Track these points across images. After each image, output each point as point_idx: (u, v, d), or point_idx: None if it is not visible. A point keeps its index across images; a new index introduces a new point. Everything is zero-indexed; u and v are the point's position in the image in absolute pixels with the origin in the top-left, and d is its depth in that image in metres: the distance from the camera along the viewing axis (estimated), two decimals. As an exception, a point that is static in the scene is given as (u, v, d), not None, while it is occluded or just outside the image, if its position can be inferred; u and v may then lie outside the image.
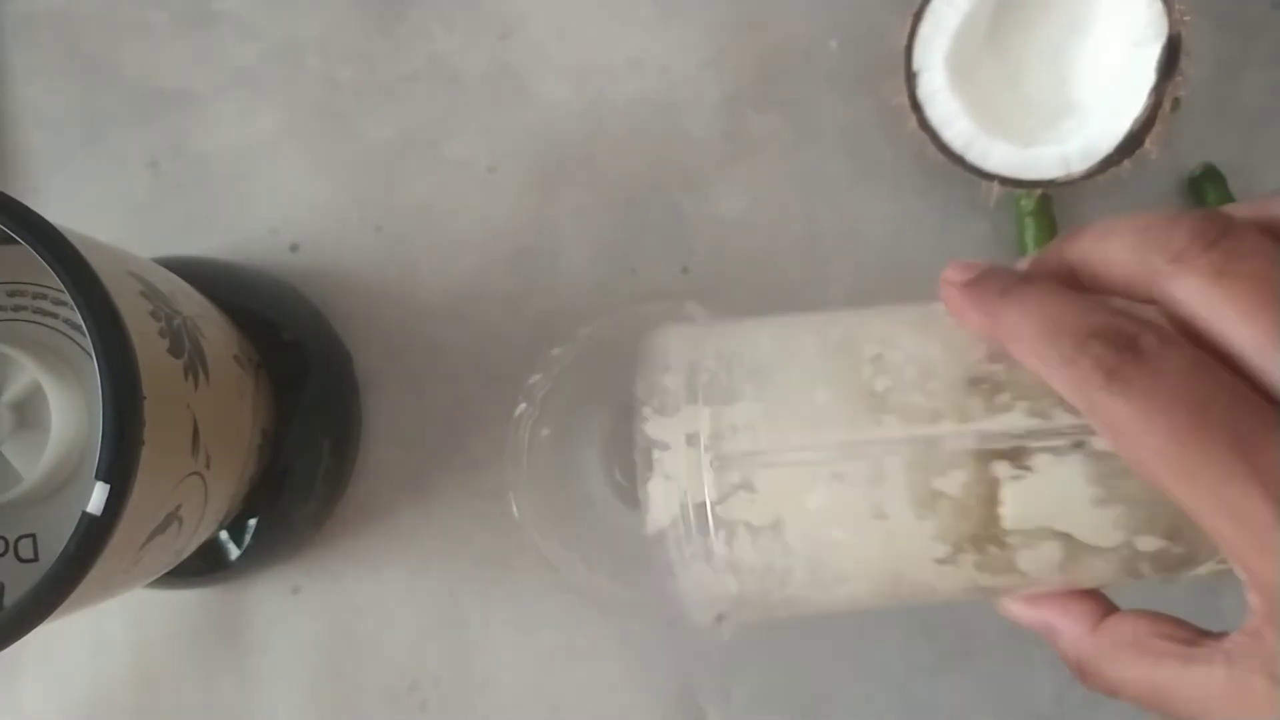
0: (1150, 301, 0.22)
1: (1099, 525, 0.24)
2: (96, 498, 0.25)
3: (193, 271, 0.37)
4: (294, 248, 0.45)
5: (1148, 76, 0.39)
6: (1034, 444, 0.24)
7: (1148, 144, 0.40)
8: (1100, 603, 0.26)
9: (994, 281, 0.24)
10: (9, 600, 0.29)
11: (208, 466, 0.32)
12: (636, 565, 0.40)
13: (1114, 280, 0.23)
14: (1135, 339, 0.21)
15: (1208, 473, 0.20)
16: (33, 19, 0.45)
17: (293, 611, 0.43)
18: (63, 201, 0.45)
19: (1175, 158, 0.44)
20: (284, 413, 0.40)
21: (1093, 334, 0.21)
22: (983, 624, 0.43)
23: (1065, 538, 0.24)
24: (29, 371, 0.30)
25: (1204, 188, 0.44)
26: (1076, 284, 0.24)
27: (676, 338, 0.28)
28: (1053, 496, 0.24)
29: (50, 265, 0.26)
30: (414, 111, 0.45)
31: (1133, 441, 0.21)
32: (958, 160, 0.41)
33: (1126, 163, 0.40)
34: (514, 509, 0.38)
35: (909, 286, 0.44)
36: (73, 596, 0.26)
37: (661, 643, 0.43)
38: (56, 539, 0.29)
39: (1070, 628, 0.26)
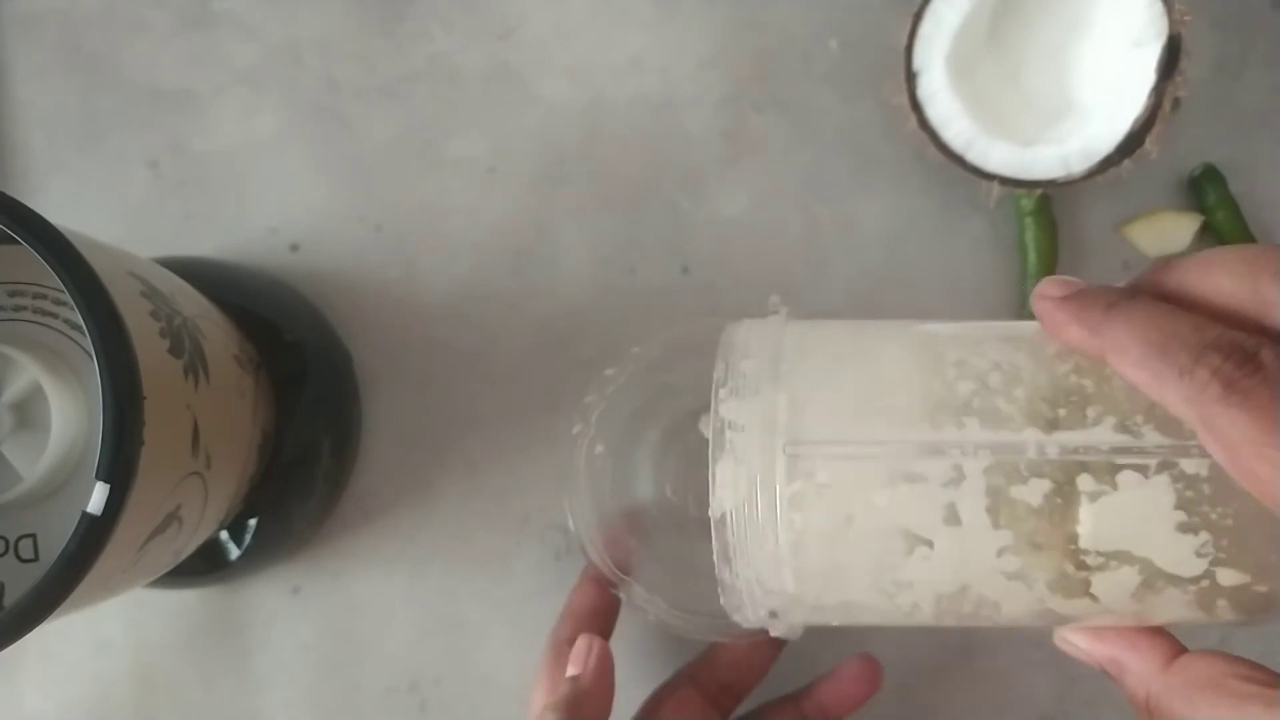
0: (1261, 333, 0.22)
1: (1181, 552, 0.23)
2: (96, 498, 0.25)
3: (193, 271, 0.37)
4: (294, 248, 0.45)
5: (1148, 76, 0.39)
6: (1121, 460, 0.23)
7: (1148, 144, 0.40)
8: (1171, 641, 0.25)
9: (1099, 297, 0.24)
10: (9, 600, 0.29)
11: (208, 466, 0.32)
12: (687, 582, 0.40)
13: (1220, 308, 0.23)
14: (1255, 352, 0.21)
15: None
16: (33, 19, 0.45)
17: (293, 611, 0.43)
18: (63, 201, 0.45)
19: (1175, 158, 0.44)
20: (284, 413, 0.40)
21: (1210, 346, 0.21)
22: (983, 624, 0.43)
23: (1144, 563, 0.23)
24: (29, 371, 0.30)
25: (1204, 188, 0.44)
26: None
27: (759, 327, 0.28)
28: (1135, 517, 0.23)
29: (50, 265, 0.26)
30: (414, 111, 0.45)
31: (1250, 456, 0.20)
32: (958, 160, 0.41)
33: (1126, 163, 0.40)
34: (570, 523, 0.38)
35: (909, 286, 0.44)
36: (73, 596, 0.26)
37: (662, 643, 0.43)
38: (56, 539, 0.29)
39: (1140, 664, 0.25)
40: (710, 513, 0.26)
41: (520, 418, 0.44)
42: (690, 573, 0.40)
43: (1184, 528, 0.23)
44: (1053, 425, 0.23)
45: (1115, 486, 0.23)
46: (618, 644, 0.43)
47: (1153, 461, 0.23)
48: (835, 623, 0.28)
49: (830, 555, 0.25)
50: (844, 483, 0.24)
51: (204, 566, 0.40)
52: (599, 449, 0.39)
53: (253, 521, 0.39)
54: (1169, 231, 0.44)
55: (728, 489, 0.25)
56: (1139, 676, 0.25)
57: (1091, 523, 0.23)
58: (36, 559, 0.30)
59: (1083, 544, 0.23)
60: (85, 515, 0.25)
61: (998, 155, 0.41)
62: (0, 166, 0.45)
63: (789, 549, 0.25)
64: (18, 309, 0.31)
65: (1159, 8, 0.39)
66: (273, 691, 0.43)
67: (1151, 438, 0.23)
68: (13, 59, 0.45)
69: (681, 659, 0.42)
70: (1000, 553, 0.24)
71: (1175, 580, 0.23)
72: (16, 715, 0.43)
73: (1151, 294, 0.24)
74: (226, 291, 0.39)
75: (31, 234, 0.26)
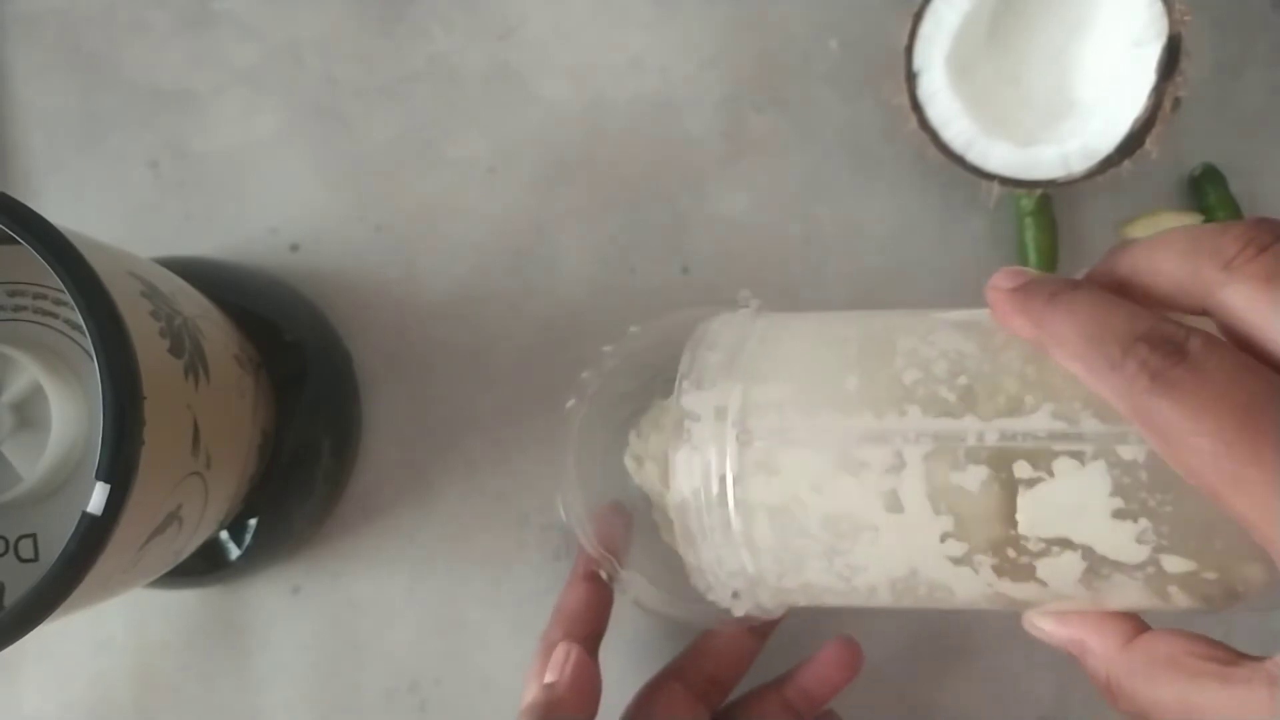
0: (1202, 313, 0.22)
1: (1120, 539, 0.23)
2: (96, 498, 0.25)
3: (193, 271, 0.37)
4: (294, 248, 0.45)
5: (1148, 76, 0.39)
6: (1057, 447, 0.23)
7: (1148, 144, 0.40)
8: (1133, 622, 0.25)
9: (1042, 287, 0.24)
10: (9, 600, 0.29)
11: (208, 466, 0.32)
12: (672, 564, 0.40)
13: (1165, 291, 0.23)
14: (1182, 343, 0.21)
15: (1257, 475, 0.20)
16: (33, 19, 0.45)
17: (293, 611, 0.43)
18: (63, 201, 0.45)
19: (1175, 158, 0.44)
20: (284, 413, 0.40)
21: (1139, 338, 0.21)
22: (983, 624, 0.43)
23: (1085, 549, 0.24)
24: (29, 371, 0.30)
25: (1204, 188, 0.44)
26: (1128, 297, 0.24)
27: (726, 321, 0.29)
28: (1072, 504, 0.23)
29: (50, 265, 0.26)
30: (414, 111, 0.45)
31: (1179, 445, 0.21)
32: (958, 160, 0.41)
33: (1126, 163, 0.40)
34: (560, 504, 0.38)
35: (909, 286, 0.44)
36: (73, 596, 0.26)
37: (662, 642, 0.43)
38: (56, 539, 0.29)
39: (1101, 645, 0.25)
40: (670, 498, 0.27)
41: (520, 418, 0.44)
42: (675, 555, 0.40)
43: (1122, 514, 0.23)
44: (992, 413, 0.24)
45: (1052, 473, 0.23)
46: (615, 641, 0.43)
47: (1089, 448, 0.23)
48: (802, 602, 0.29)
49: (782, 539, 0.26)
50: (790, 469, 0.25)
51: (204, 566, 0.40)
52: (591, 428, 0.39)
53: (253, 521, 0.39)
54: (1169, 231, 0.44)
55: (685, 476, 0.27)
56: (1100, 657, 0.25)
57: (1030, 509, 0.23)
58: (36, 559, 0.30)
59: (1022, 530, 0.24)
60: (85, 515, 0.25)
61: (998, 155, 0.41)
62: (0, 166, 0.45)
63: (742, 532, 0.26)
64: (18, 309, 0.31)
65: (1159, 8, 0.39)
66: (273, 691, 0.43)
67: (1089, 425, 0.23)
68: (13, 59, 0.45)
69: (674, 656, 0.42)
70: (943, 538, 0.24)
71: (1120, 566, 0.24)
72: (16, 715, 0.43)
73: (1105, 280, 0.24)
74: (226, 291, 0.39)
75: (31, 234, 0.26)
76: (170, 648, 0.43)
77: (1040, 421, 0.23)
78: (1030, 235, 0.43)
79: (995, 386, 0.24)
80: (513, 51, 0.45)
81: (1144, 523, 0.23)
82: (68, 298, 0.26)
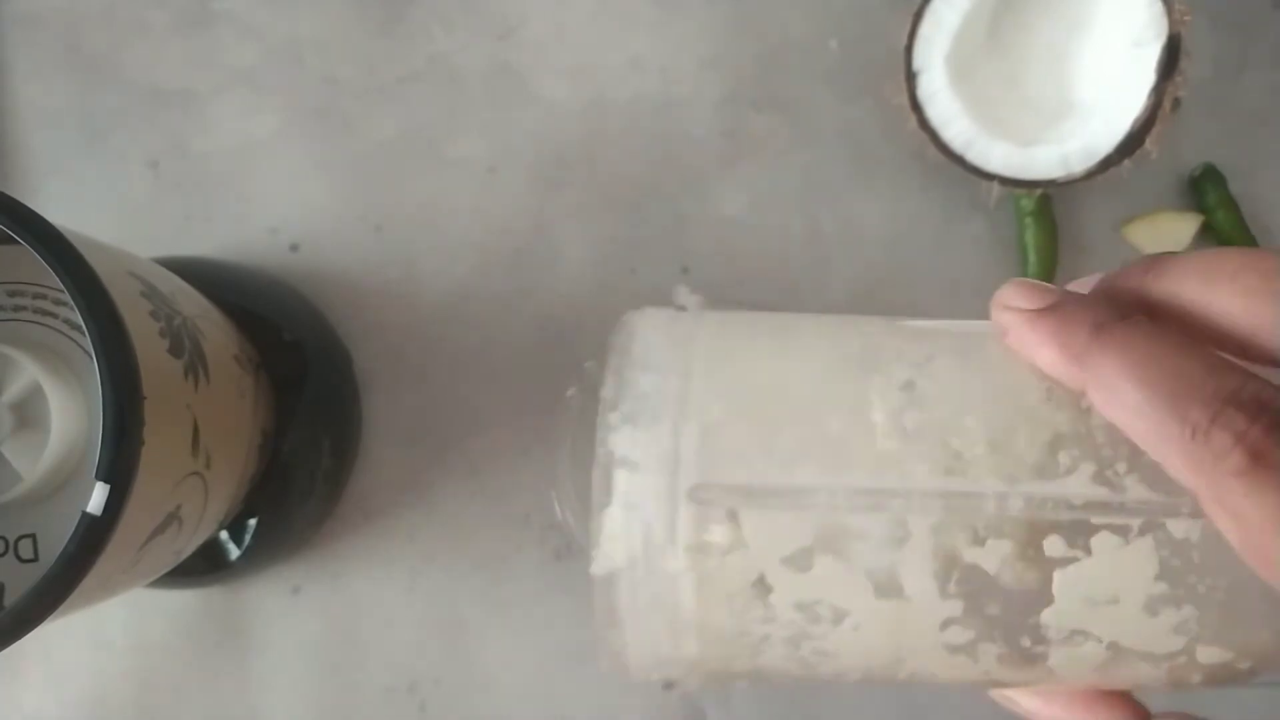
0: (1272, 364, 0.19)
1: (1158, 628, 0.20)
2: (96, 498, 0.25)
3: (193, 271, 0.37)
4: (294, 248, 0.45)
5: (1148, 76, 0.39)
6: (1098, 520, 0.19)
7: (1148, 144, 0.40)
8: (1135, 709, 0.22)
9: (1084, 314, 0.19)
10: (9, 600, 0.29)
11: (208, 466, 0.32)
12: None
13: (1222, 333, 0.19)
14: None
15: None
16: (33, 18, 0.45)
17: (293, 611, 0.43)
18: (63, 201, 0.45)
19: (1175, 158, 0.44)
20: (284, 413, 0.40)
21: (1230, 401, 0.17)
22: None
23: (1115, 638, 0.20)
24: (29, 371, 0.30)
25: (1204, 188, 0.44)
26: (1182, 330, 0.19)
27: (662, 331, 0.23)
28: (1110, 588, 0.19)
29: (50, 265, 0.26)
30: (414, 111, 0.45)
31: (1269, 538, 0.17)
32: (958, 160, 0.41)
33: (1126, 163, 0.40)
34: (555, 507, 0.38)
35: (909, 286, 0.44)
36: (73, 596, 0.26)
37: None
38: (56, 539, 0.29)
39: None
40: (592, 570, 0.22)
41: (520, 418, 0.43)
42: None
43: (1165, 600, 0.19)
44: (1018, 473, 0.19)
45: (1089, 551, 0.19)
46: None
47: (1136, 522, 0.19)
48: (744, 684, 0.25)
49: (740, 624, 0.21)
50: (762, 538, 0.20)
51: (204, 566, 0.40)
52: (590, 415, 0.39)
53: (253, 521, 0.39)
54: (1169, 231, 0.44)
55: (617, 542, 0.21)
56: None
57: (1059, 594, 0.19)
58: (36, 559, 0.30)
59: (1044, 618, 0.20)
60: (85, 515, 0.25)
61: (998, 155, 0.41)
62: (0, 166, 0.45)
63: (690, 619, 0.20)
64: (18, 309, 0.31)
65: (1159, 8, 0.39)
66: (273, 691, 0.43)
67: (1136, 491, 0.19)
68: (13, 59, 0.45)
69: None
70: (945, 625, 0.20)
71: (1148, 656, 0.20)
72: (16, 715, 0.43)
73: (1137, 301, 0.20)
74: (226, 291, 0.39)
75: (31, 234, 0.26)
76: (170, 648, 0.43)
77: (1078, 486, 0.19)
78: (1030, 235, 0.43)
79: (1018, 437, 0.20)
80: (513, 51, 0.45)
81: (1188, 610, 0.19)
82: (68, 298, 0.26)
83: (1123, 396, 0.18)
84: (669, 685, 0.24)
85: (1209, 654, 0.20)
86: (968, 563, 0.19)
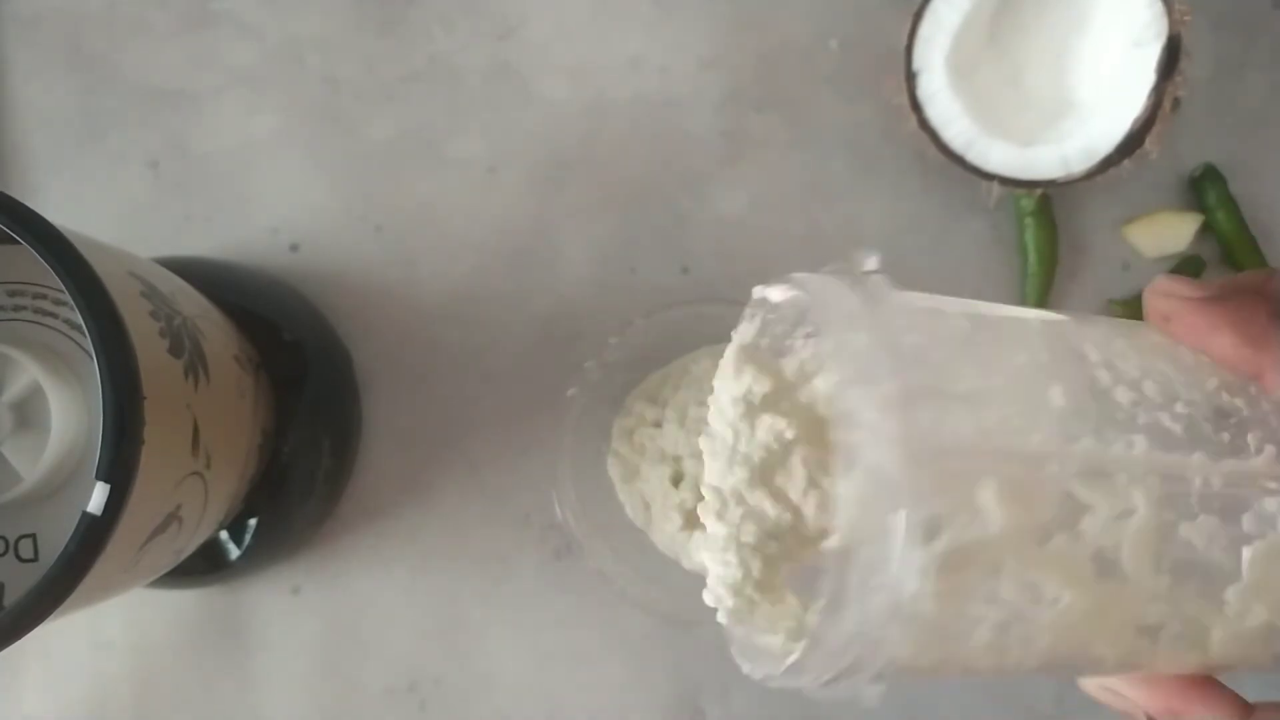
0: None
1: None
2: (96, 498, 0.25)
3: (193, 271, 0.37)
4: (294, 248, 0.45)
5: (1148, 76, 0.39)
6: None
7: (1148, 144, 0.40)
8: (1234, 699, 0.22)
9: (1260, 305, 0.19)
10: (9, 600, 0.29)
11: (208, 466, 0.32)
12: (659, 560, 0.40)
13: None
14: None
15: None
16: (33, 18, 0.45)
17: (293, 611, 0.43)
18: (63, 201, 0.45)
19: (1175, 158, 0.44)
20: (284, 413, 0.40)
21: None
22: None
23: None
24: (29, 371, 0.30)
25: (1204, 188, 0.44)
26: None
27: (859, 295, 0.21)
28: None
29: (50, 265, 0.26)
30: (414, 111, 0.45)
31: None
32: (958, 160, 0.41)
33: (1126, 163, 0.40)
34: (556, 507, 0.39)
35: (909, 286, 0.44)
36: (73, 596, 0.26)
37: (661, 643, 0.43)
38: (56, 539, 0.29)
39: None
40: (828, 544, 0.19)
41: (520, 418, 0.44)
42: (640, 532, 0.40)
43: None
44: (1218, 450, 0.19)
45: (1276, 528, 0.19)
46: (611, 646, 0.43)
47: None
48: (919, 679, 0.23)
49: (957, 606, 0.19)
50: (998, 510, 0.18)
51: (204, 566, 0.40)
52: (590, 413, 0.39)
53: (253, 521, 0.39)
54: (1169, 231, 0.44)
55: (855, 514, 0.18)
56: None
57: (1248, 569, 0.19)
58: (36, 559, 0.30)
59: (1228, 594, 0.19)
60: (85, 515, 0.25)
61: (998, 155, 0.41)
62: (0, 166, 0.45)
63: (914, 596, 0.18)
64: (18, 309, 0.31)
65: (1159, 8, 0.39)
66: (273, 691, 0.43)
67: None
68: (13, 59, 0.45)
69: (676, 664, 0.42)
70: (1151, 601, 0.19)
71: None
72: (16, 715, 0.43)
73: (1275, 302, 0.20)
74: (226, 291, 0.39)
75: (31, 234, 0.26)
76: (170, 648, 0.43)
77: (1268, 465, 0.19)
78: (1030, 235, 0.43)
79: (1214, 418, 0.19)
80: (513, 51, 0.45)
81: None
82: (68, 298, 0.26)
83: None
84: (879, 679, 0.20)
85: None
86: (1182, 538, 0.19)
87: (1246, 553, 0.19)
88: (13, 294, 0.31)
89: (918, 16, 0.41)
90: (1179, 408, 0.19)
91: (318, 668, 0.43)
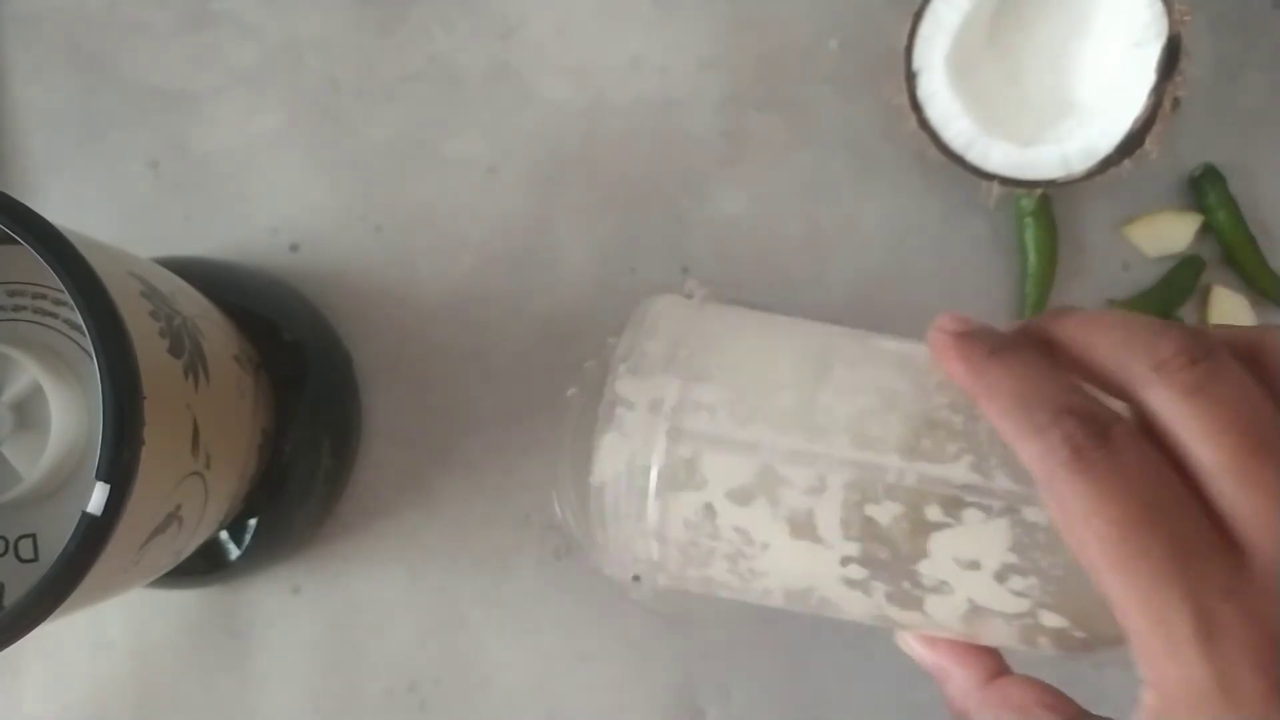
0: (1123, 398, 0.23)
1: (1006, 591, 0.24)
2: (96, 498, 0.25)
3: (193, 271, 0.37)
4: (294, 248, 0.45)
5: (1148, 76, 0.39)
6: (969, 498, 0.24)
7: (1148, 144, 0.40)
8: (995, 661, 0.27)
9: (985, 340, 0.25)
10: (9, 600, 0.29)
11: (208, 466, 0.32)
12: None
13: (1093, 370, 0.24)
14: (1108, 427, 0.22)
15: (1142, 570, 0.21)
16: (33, 18, 0.45)
17: (293, 611, 0.43)
18: (63, 201, 0.45)
19: (1175, 158, 0.44)
20: (284, 413, 0.40)
21: (1069, 410, 0.22)
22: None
23: (973, 594, 0.25)
24: (29, 371, 0.30)
25: (1204, 188, 0.44)
26: (1058, 362, 0.25)
27: (670, 309, 0.29)
28: (971, 552, 0.24)
29: (50, 265, 0.26)
30: (414, 111, 0.45)
31: (1079, 522, 0.21)
32: (958, 160, 0.41)
33: (1126, 163, 0.40)
34: (556, 507, 0.39)
35: (909, 286, 0.44)
36: (73, 596, 0.26)
37: (661, 643, 0.43)
38: (56, 539, 0.29)
39: (962, 678, 0.27)
40: (590, 479, 0.28)
41: (520, 418, 0.44)
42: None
43: (1013, 569, 0.24)
44: (914, 454, 0.25)
45: (959, 521, 0.24)
46: (611, 646, 0.43)
47: (997, 504, 0.24)
48: (696, 591, 0.30)
49: (692, 536, 0.27)
50: (715, 473, 0.26)
51: (204, 566, 0.40)
52: (589, 414, 0.39)
53: (253, 521, 0.39)
54: (1169, 231, 0.44)
55: (609, 459, 0.27)
56: (960, 689, 0.27)
57: (933, 551, 0.24)
58: (36, 559, 0.30)
59: (920, 567, 0.25)
60: (85, 515, 0.25)
61: (998, 155, 0.41)
62: (0, 166, 0.45)
63: (656, 524, 0.27)
64: (18, 309, 0.31)
65: (1159, 8, 0.39)
66: (273, 691, 0.43)
67: (1001, 482, 0.24)
68: (13, 59, 0.45)
69: (676, 664, 0.42)
70: (845, 562, 0.25)
71: (1001, 614, 0.25)
72: (16, 716, 0.43)
73: (1040, 339, 0.25)
74: (226, 291, 0.39)
75: (31, 234, 0.26)
76: (170, 648, 0.43)
77: (958, 472, 0.24)
78: (1030, 235, 0.43)
79: (922, 429, 0.25)
80: (513, 51, 0.45)
81: (1032, 580, 0.24)
82: (68, 298, 0.26)
83: (998, 401, 0.23)
84: (636, 578, 0.29)
85: (1050, 619, 0.25)
86: (866, 515, 0.25)
87: (933, 537, 0.24)
88: (13, 294, 0.31)
89: (918, 16, 0.41)
90: (891, 418, 0.25)
91: (318, 668, 0.43)
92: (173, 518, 0.30)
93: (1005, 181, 0.41)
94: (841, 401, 0.26)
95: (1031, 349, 0.24)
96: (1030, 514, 0.24)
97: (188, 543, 0.33)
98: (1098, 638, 0.25)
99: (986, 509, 0.24)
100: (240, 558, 0.40)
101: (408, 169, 0.45)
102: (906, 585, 0.25)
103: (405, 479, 0.44)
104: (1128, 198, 0.44)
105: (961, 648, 0.27)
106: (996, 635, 0.26)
